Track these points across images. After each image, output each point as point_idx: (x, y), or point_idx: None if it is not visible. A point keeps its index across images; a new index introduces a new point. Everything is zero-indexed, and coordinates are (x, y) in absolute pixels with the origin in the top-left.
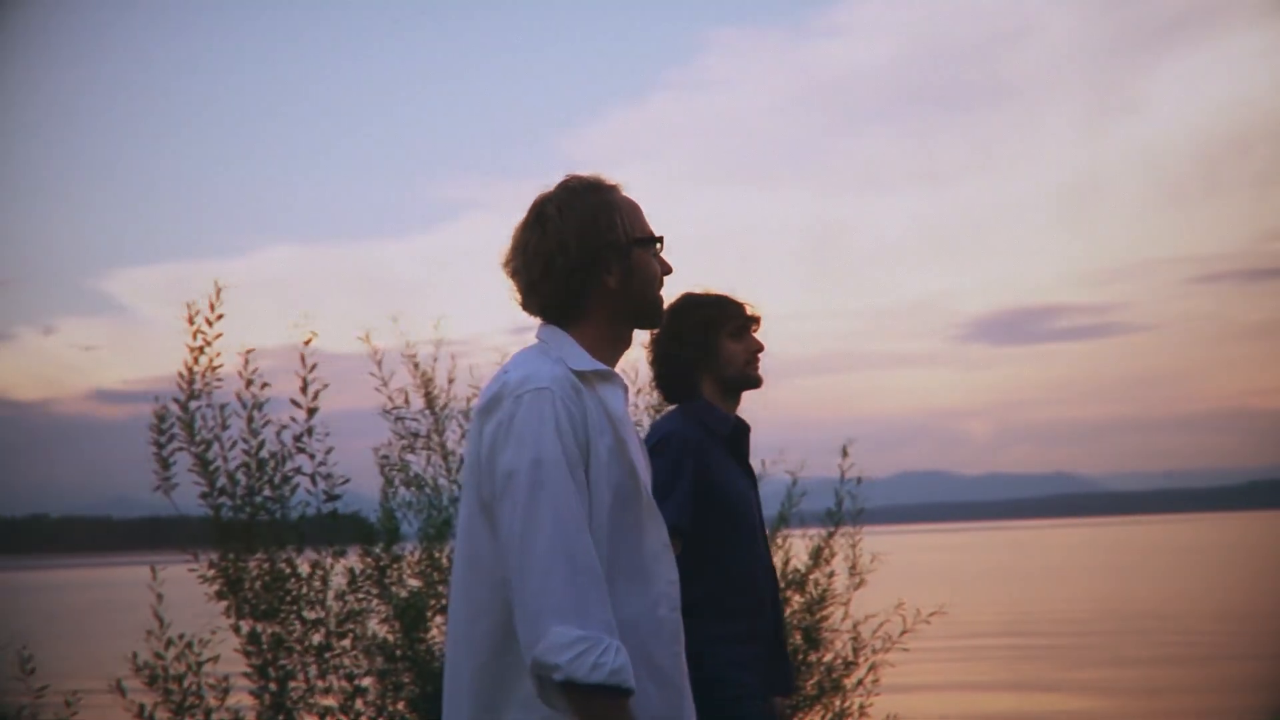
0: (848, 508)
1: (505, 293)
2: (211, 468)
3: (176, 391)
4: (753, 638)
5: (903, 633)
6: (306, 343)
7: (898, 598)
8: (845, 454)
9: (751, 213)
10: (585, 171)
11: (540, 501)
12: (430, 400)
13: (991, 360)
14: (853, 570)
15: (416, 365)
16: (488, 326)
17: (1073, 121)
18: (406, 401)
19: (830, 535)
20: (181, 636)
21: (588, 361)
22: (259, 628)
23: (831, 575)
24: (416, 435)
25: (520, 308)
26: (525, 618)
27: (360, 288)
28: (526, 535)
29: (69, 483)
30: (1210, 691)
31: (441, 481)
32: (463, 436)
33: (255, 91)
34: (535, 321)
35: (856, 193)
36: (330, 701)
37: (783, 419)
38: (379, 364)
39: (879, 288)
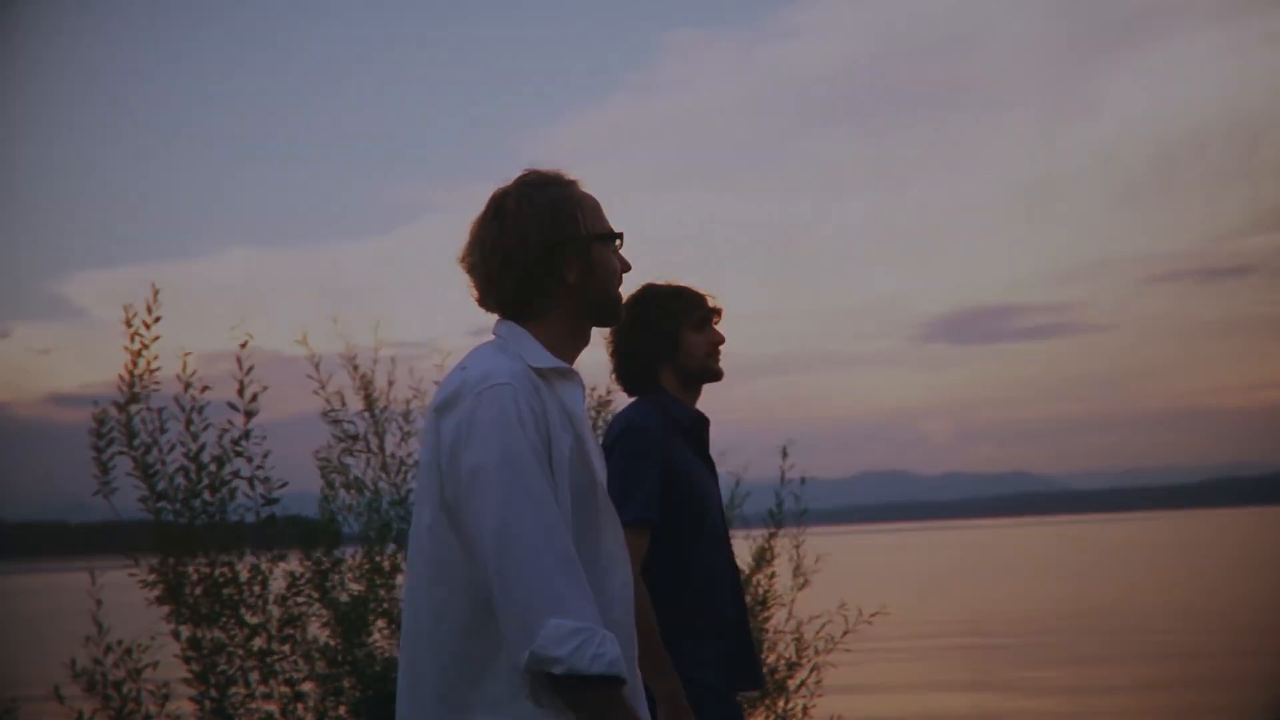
0: (791, 508)
1: (463, 292)
2: (151, 472)
3: (120, 395)
4: (717, 633)
5: (844, 633)
6: (243, 345)
7: (850, 598)
8: (785, 455)
9: (710, 214)
10: (545, 166)
11: (516, 496)
12: (370, 402)
13: (950, 360)
14: (796, 571)
15: (356, 367)
16: (446, 329)
17: (1029, 122)
18: (343, 403)
19: (771, 536)
20: (120, 643)
21: (547, 359)
22: (199, 633)
23: (773, 576)
24: (355, 438)
25: (477, 304)
26: (515, 614)
27: (320, 291)
28: (506, 531)
29: (25, 488)
30: (1169, 688)
31: (382, 484)
32: (403, 439)
33: (215, 95)
34: (493, 320)
35: (814, 194)
36: (271, 707)
37: (743, 419)
38: (316, 366)
39: (837, 288)
